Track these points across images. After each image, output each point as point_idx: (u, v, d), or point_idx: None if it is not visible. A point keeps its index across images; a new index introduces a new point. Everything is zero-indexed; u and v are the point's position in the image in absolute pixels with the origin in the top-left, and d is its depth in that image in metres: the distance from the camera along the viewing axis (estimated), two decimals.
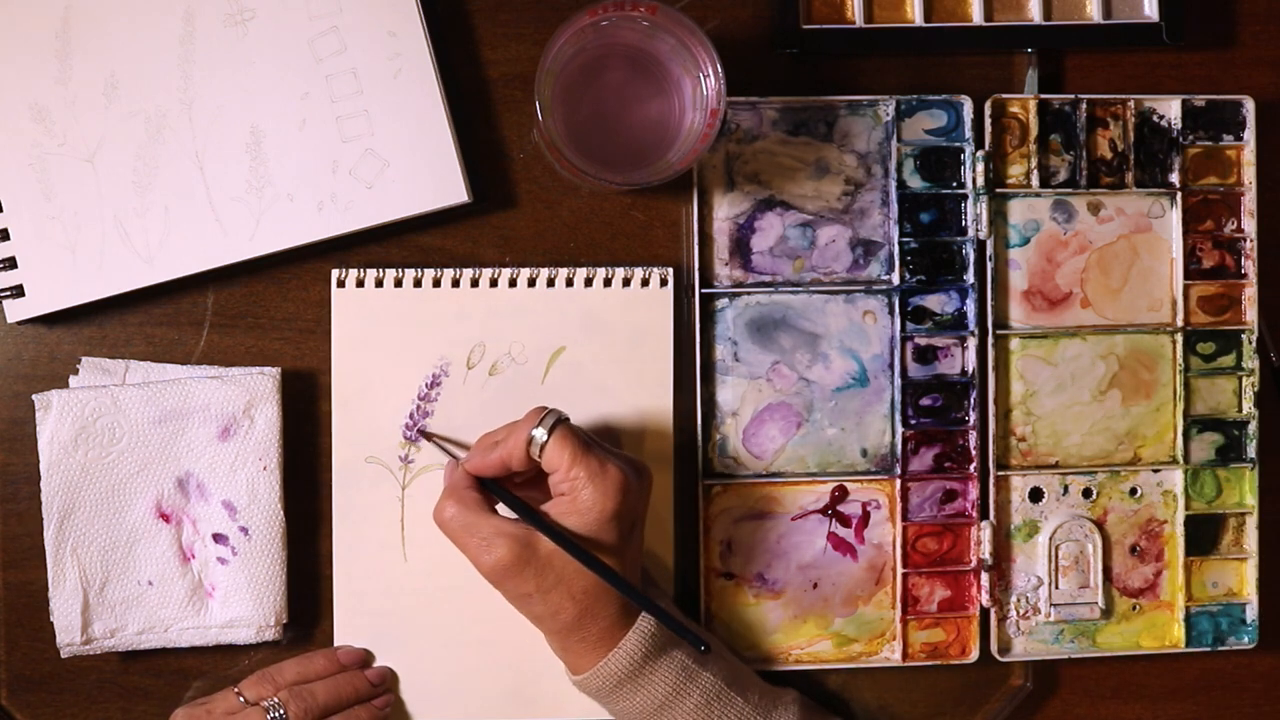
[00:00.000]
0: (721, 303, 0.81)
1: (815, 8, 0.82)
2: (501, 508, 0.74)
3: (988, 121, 0.81)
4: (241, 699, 0.74)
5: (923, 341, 0.82)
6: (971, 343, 0.82)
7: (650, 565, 0.79)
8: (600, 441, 0.73)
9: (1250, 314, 0.84)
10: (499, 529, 0.71)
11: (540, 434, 0.71)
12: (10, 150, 0.76)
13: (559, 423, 0.71)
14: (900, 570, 0.82)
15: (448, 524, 0.72)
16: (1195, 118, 0.83)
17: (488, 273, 0.79)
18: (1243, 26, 0.86)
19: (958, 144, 0.82)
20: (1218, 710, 0.86)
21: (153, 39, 0.77)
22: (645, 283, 0.80)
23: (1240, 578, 0.84)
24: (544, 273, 0.79)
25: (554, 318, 0.79)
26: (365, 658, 0.78)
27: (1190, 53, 0.85)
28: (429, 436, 0.78)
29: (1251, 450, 0.84)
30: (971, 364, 0.82)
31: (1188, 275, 0.83)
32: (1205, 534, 0.84)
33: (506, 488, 0.74)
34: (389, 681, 0.78)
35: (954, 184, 0.82)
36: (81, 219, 0.76)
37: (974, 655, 0.82)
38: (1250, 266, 0.84)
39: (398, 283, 0.78)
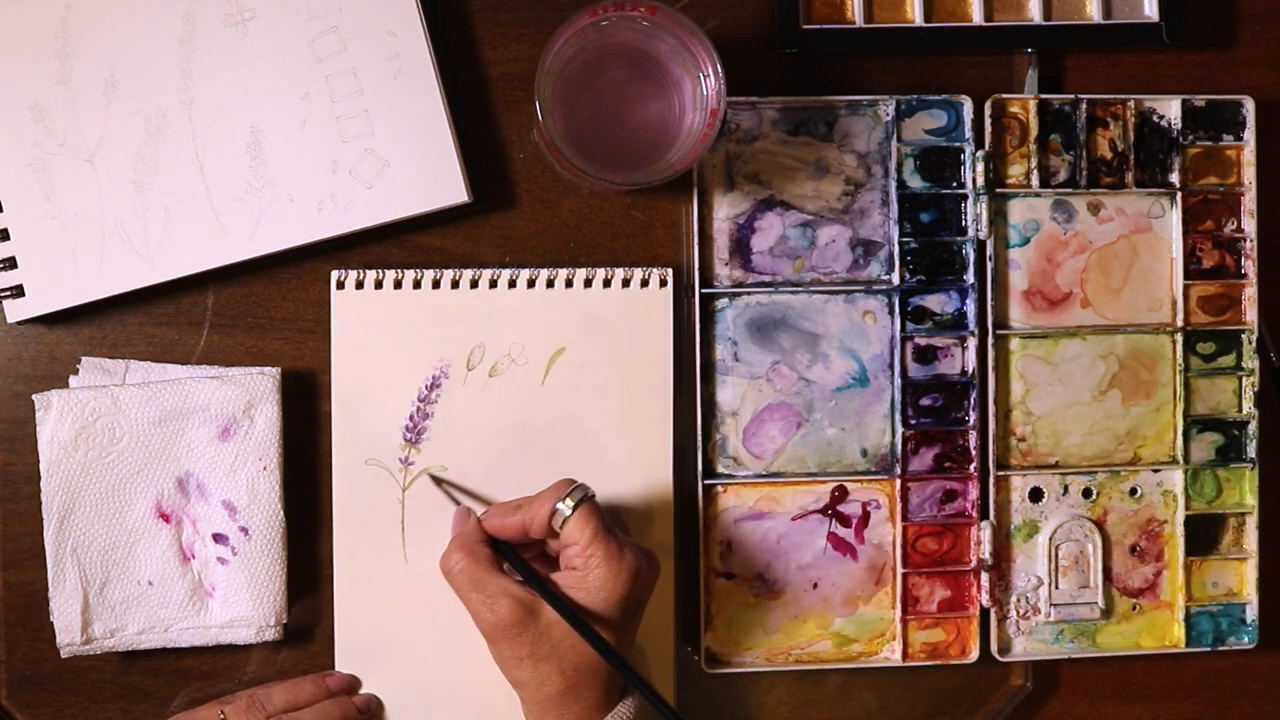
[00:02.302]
0: (721, 303, 0.81)
1: (815, 8, 0.82)
2: (507, 569, 0.74)
3: (988, 121, 0.81)
4: None
5: (923, 341, 0.82)
6: (971, 343, 0.82)
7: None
8: (617, 529, 0.74)
9: (1250, 314, 0.84)
10: (505, 589, 0.71)
11: (565, 507, 0.71)
12: (10, 150, 0.76)
13: (585, 499, 0.72)
14: (900, 570, 0.82)
15: (454, 575, 0.73)
16: (1195, 118, 0.83)
17: (488, 273, 0.79)
18: (1243, 26, 0.86)
19: (958, 144, 0.82)
20: (1218, 710, 0.86)
21: (153, 39, 0.77)
22: (645, 283, 0.80)
23: (1240, 578, 0.84)
24: (544, 273, 0.79)
25: (554, 318, 0.79)
26: (353, 683, 0.78)
27: (1190, 53, 0.85)
28: (439, 482, 0.78)
29: (1251, 450, 0.84)
30: (971, 364, 0.82)
31: (1188, 275, 0.83)
32: (1205, 534, 0.84)
33: (518, 553, 0.75)
34: (375, 708, 0.78)
35: (954, 184, 0.82)
36: (81, 219, 0.76)
37: (974, 655, 0.82)
38: (1250, 266, 0.84)
39: (397, 284, 0.78)
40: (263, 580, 0.77)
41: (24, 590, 0.78)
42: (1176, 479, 0.84)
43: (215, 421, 0.77)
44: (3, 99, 0.76)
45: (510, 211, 0.81)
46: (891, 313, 0.81)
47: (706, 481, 0.80)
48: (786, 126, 0.81)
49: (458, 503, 0.78)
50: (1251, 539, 0.84)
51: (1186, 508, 0.83)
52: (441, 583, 0.75)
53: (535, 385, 0.79)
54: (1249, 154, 0.83)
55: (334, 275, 0.78)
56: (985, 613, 0.82)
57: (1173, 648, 0.84)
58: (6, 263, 0.77)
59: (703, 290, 0.80)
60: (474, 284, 0.79)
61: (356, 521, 0.78)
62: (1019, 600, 0.83)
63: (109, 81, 0.76)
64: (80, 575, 0.76)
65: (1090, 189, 0.83)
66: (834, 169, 0.81)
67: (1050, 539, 0.82)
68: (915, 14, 0.82)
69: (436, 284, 0.79)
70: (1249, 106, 0.83)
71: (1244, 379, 0.84)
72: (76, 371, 0.78)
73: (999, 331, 0.82)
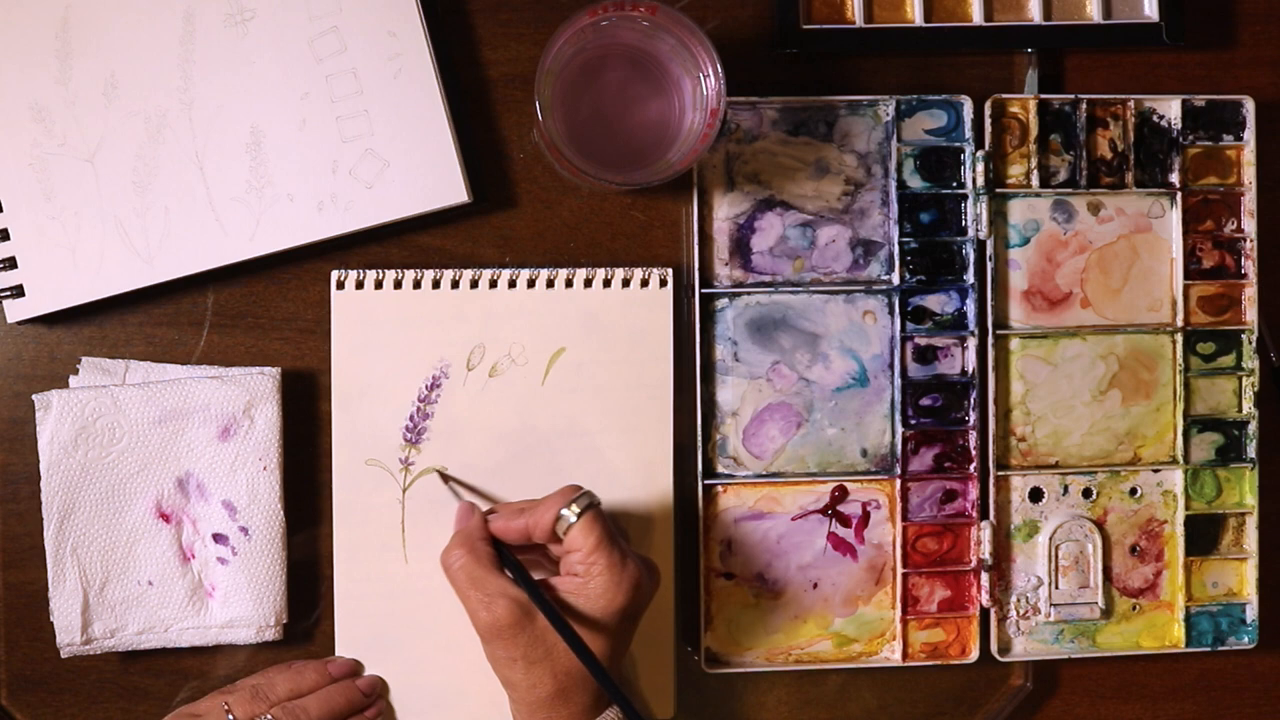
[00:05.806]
0: (721, 303, 0.81)
1: (815, 8, 0.82)
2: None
3: (988, 121, 0.81)
4: (231, 717, 0.73)
5: (923, 341, 0.82)
6: (971, 343, 0.82)
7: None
8: (620, 538, 0.73)
9: (1250, 314, 0.84)
10: (504, 589, 0.71)
11: (570, 514, 0.71)
12: (10, 150, 0.76)
13: (590, 506, 0.71)
14: (900, 570, 0.82)
15: (454, 571, 0.73)
16: (1195, 118, 0.83)
17: (487, 273, 0.79)
18: (1243, 26, 0.86)
19: (958, 144, 0.82)
20: (1218, 710, 0.86)
21: (153, 39, 0.77)
22: (645, 283, 0.80)
23: (1240, 578, 0.84)
24: (544, 273, 0.79)
25: (554, 318, 0.79)
26: (355, 668, 0.78)
27: (1190, 53, 0.85)
28: (446, 479, 0.78)
29: (1251, 450, 0.84)
30: (971, 364, 0.82)
31: (1188, 275, 0.83)
32: (1205, 534, 0.84)
33: (517, 557, 0.74)
34: (380, 690, 0.78)
35: (954, 184, 0.82)
36: (81, 219, 0.76)
37: (974, 655, 0.82)
38: (1250, 266, 0.84)
39: (397, 284, 0.78)
40: (263, 580, 0.77)
41: (24, 590, 0.78)
42: (1176, 479, 0.84)
43: (215, 421, 0.77)
44: (3, 99, 0.76)
45: (510, 211, 0.81)
46: (891, 313, 0.81)
47: (706, 481, 0.80)
48: (786, 126, 0.81)
49: (460, 500, 0.78)
50: (1251, 539, 0.84)
51: (1186, 508, 0.83)
52: (442, 583, 0.75)
53: (535, 385, 0.79)
54: (1249, 154, 0.83)
55: (334, 275, 0.78)
56: (985, 613, 0.82)
57: (1173, 648, 0.84)
58: (6, 263, 0.77)
59: (703, 290, 0.80)
60: (474, 284, 0.79)
61: (356, 521, 0.78)
62: (1019, 600, 0.83)
63: (109, 81, 0.76)
64: (80, 575, 0.76)
65: (1090, 189, 0.83)
66: (834, 169, 0.81)
67: (1050, 539, 0.82)
68: (915, 14, 0.82)
69: (436, 284, 0.79)
70: (1249, 106, 0.83)
71: (1244, 379, 0.84)
72: (76, 371, 0.78)
73: (999, 331, 0.82)
